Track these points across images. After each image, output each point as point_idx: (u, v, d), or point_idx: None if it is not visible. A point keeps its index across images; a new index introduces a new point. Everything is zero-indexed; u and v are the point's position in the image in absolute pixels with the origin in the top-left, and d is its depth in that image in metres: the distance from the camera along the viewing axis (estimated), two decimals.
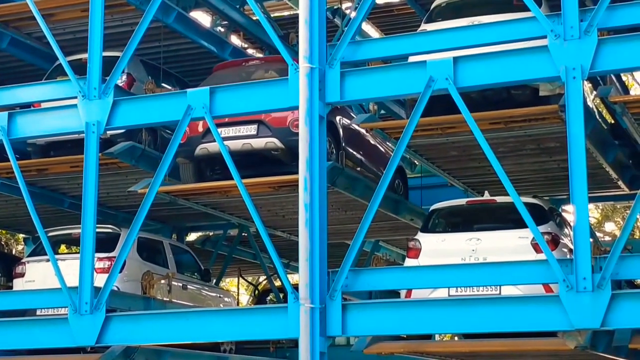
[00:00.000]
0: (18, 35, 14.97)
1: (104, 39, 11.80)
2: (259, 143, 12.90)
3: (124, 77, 13.98)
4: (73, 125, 11.75)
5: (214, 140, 11.52)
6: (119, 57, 11.75)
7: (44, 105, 13.00)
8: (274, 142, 12.84)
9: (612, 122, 14.90)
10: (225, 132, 12.65)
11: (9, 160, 12.14)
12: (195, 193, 13.49)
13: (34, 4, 12.52)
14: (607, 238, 26.88)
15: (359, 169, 14.33)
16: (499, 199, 12.16)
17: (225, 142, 12.36)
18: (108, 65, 11.79)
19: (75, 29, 14.44)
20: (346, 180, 13.38)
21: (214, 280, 18.00)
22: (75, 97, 11.69)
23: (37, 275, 13.71)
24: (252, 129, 12.79)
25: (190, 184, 13.50)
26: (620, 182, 14.70)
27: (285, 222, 15.19)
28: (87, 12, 12.01)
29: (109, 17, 12.99)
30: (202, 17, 18.11)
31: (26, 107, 13.30)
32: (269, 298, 22.09)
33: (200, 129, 13.01)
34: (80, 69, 12.13)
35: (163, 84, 14.62)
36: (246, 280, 25.90)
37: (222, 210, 14.67)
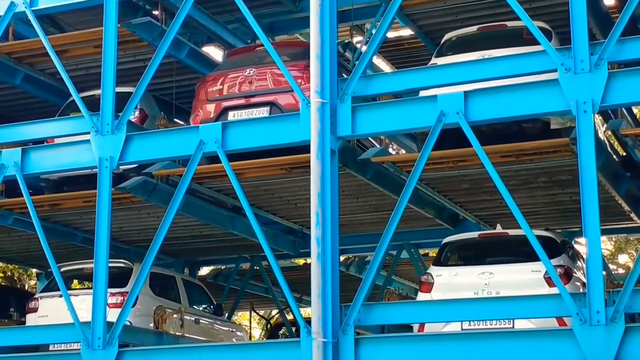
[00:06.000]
0: (32, 72, 15.07)
1: (116, 75, 11.91)
2: None
3: (137, 113, 14.04)
4: (86, 160, 11.85)
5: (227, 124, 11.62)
6: (131, 92, 11.85)
7: (57, 141, 13.09)
8: None
9: (624, 154, 14.89)
10: (237, 114, 12.56)
11: (22, 196, 12.21)
12: (207, 177, 13.05)
13: (48, 41, 12.64)
14: (620, 270, 26.75)
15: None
16: (511, 232, 12.13)
17: None
18: (121, 101, 11.89)
19: (89, 65, 14.55)
20: (358, 163, 12.94)
21: (226, 315, 17.98)
22: (88, 133, 11.79)
23: (50, 310, 13.72)
24: (264, 112, 12.53)
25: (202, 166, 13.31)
26: (632, 215, 14.66)
27: (297, 211, 14.79)
28: (100, 48, 12.16)
29: (121, 53, 13.09)
30: (214, 52, 18.20)
31: (39, 142, 13.38)
32: (281, 332, 22.05)
33: (213, 112, 12.82)
34: (93, 104, 12.23)
35: (175, 119, 14.70)
36: (258, 314, 25.90)
37: (235, 197, 14.36)
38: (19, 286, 26.00)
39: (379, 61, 18.27)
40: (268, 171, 12.70)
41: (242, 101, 12.65)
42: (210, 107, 12.85)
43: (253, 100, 12.59)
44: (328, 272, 10.18)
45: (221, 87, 12.96)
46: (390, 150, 17.56)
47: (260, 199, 14.01)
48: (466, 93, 10.19)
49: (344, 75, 11.27)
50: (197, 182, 13.27)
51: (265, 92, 12.60)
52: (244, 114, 12.61)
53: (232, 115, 12.59)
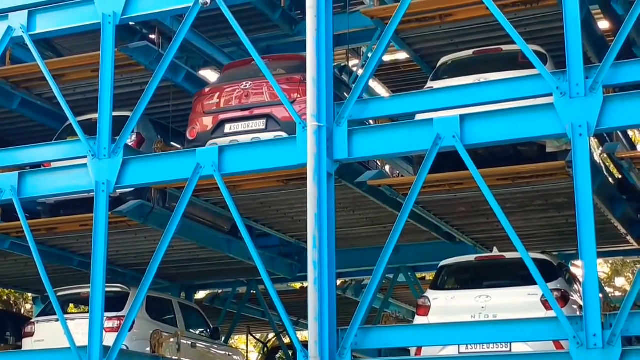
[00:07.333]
0: (29, 96, 15.09)
1: (113, 99, 11.94)
2: (267, 137, 12.56)
3: (134, 137, 14.06)
4: (83, 184, 11.86)
5: (224, 136, 11.71)
6: (128, 116, 11.88)
7: (54, 165, 13.10)
8: (282, 135, 12.71)
9: (620, 177, 14.92)
10: (234, 127, 12.65)
11: (18, 220, 12.20)
12: (204, 189, 12.92)
13: (45, 65, 12.67)
14: (617, 293, 26.73)
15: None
16: (508, 255, 12.13)
17: (235, 137, 12.40)
18: (118, 125, 11.92)
19: (85, 89, 14.57)
20: (354, 175, 12.88)
21: (223, 338, 17.93)
22: (85, 157, 11.80)
23: (46, 334, 13.68)
24: (261, 124, 12.57)
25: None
26: (629, 237, 14.67)
27: (294, 224, 14.73)
28: (97, 72, 12.19)
29: (118, 77, 13.11)
30: (211, 76, 18.25)
31: (36, 166, 13.39)
32: (278, 355, 21.99)
33: (210, 125, 12.87)
34: (90, 128, 12.25)
35: (172, 143, 14.72)
36: (255, 337, 25.82)
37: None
38: (15, 310, 25.93)
39: (375, 84, 18.32)
40: (265, 183, 12.71)
41: (238, 114, 12.71)
42: (207, 120, 12.90)
43: (250, 112, 12.65)
44: (325, 295, 10.17)
45: (218, 100, 13.02)
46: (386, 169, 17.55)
47: (257, 212, 14.02)
48: (462, 116, 10.23)
49: (345, 93, 11.25)
50: (194, 195, 13.21)
51: (262, 104, 12.67)
52: (240, 127, 12.69)
53: (228, 128, 12.66)
